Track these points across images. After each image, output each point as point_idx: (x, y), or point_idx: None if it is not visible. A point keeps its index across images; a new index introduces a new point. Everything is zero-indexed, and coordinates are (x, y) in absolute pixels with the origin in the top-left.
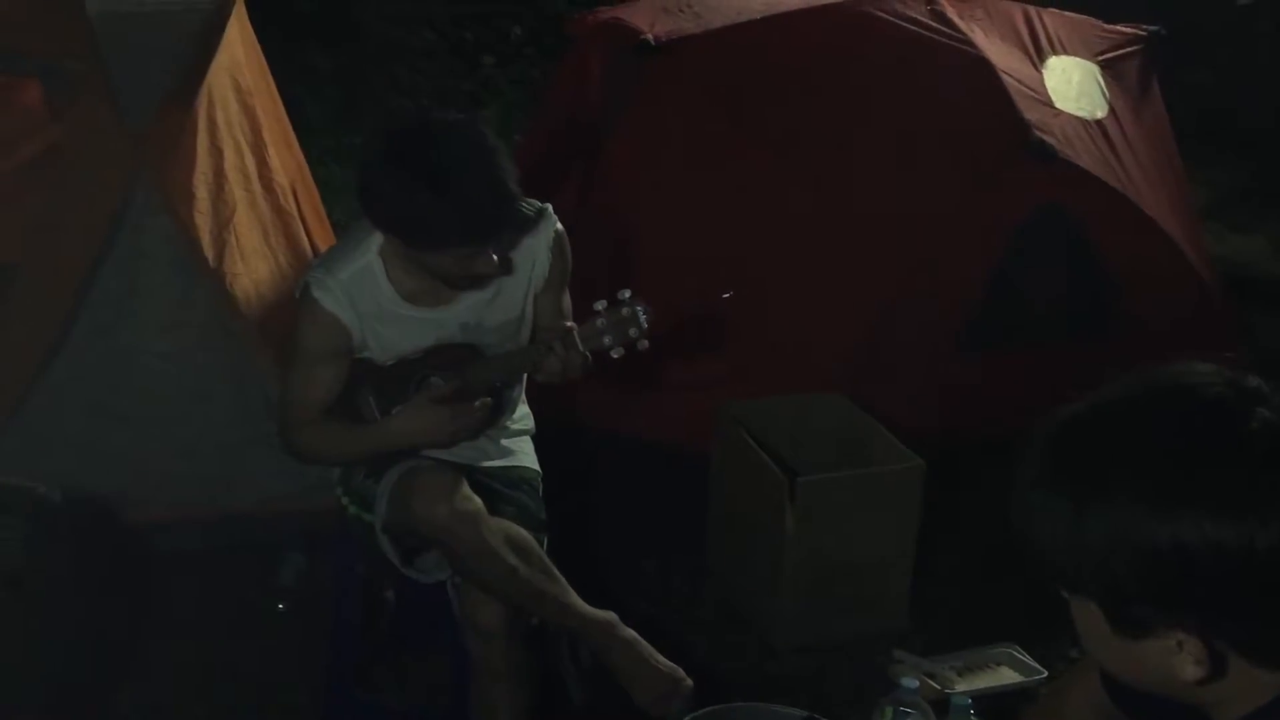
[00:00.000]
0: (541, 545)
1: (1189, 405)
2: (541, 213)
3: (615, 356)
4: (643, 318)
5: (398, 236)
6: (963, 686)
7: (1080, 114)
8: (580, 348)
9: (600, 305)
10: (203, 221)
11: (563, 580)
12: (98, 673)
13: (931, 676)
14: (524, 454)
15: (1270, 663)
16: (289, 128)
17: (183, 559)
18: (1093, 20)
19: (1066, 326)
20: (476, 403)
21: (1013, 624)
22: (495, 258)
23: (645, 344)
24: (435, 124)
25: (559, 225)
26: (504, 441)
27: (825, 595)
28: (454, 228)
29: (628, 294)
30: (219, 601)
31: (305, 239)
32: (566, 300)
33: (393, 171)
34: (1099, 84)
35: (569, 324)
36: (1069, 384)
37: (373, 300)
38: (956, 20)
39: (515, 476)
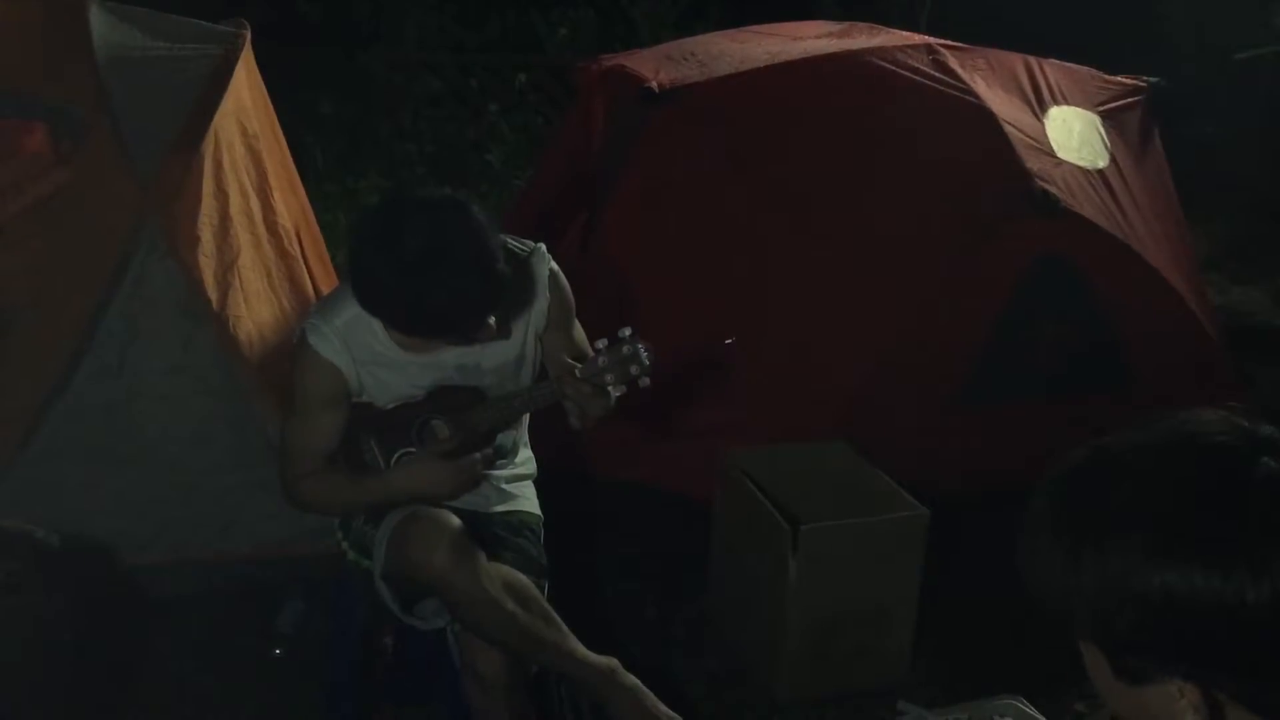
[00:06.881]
0: (542, 591)
1: (1190, 453)
2: (534, 252)
3: (617, 395)
4: (644, 355)
5: (393, 328)
6: None
7: (1082, 164)
8: (583, 388)
9: (601, 344)
10: (207, 264)
11: (563, 626)
12: (93, 717)
13: None
14: (525, 499)
15: (1270, 712)
16: (294, 172)
17: (181, 603)
18: (1093, 71)
19: (1070, 378)
20: (478, 454)
21: (1018, 676)
22: (492, 321)
23: (646, 381)
24: (423, 208)
25: (553, 264)
26: (505, 486)
27: (828, 644)
28: (443, 323)
29: (628, 332)
30: (216, 646)
31: (309, 282)
32: (578, 333)
33: (382, 263)
34: (1100, 134)
35: (570, 363)
36: (1072, 435)
37: (367, 346)
38: (959, 70)
39: (516, 521)
